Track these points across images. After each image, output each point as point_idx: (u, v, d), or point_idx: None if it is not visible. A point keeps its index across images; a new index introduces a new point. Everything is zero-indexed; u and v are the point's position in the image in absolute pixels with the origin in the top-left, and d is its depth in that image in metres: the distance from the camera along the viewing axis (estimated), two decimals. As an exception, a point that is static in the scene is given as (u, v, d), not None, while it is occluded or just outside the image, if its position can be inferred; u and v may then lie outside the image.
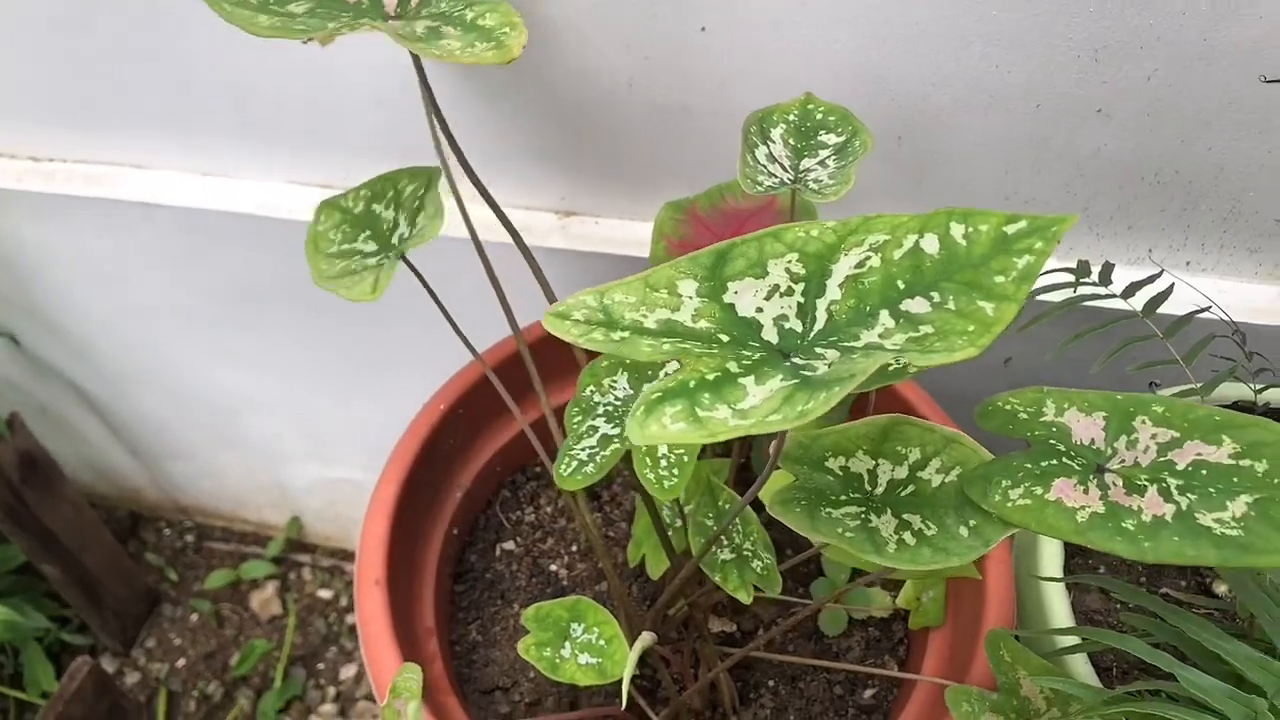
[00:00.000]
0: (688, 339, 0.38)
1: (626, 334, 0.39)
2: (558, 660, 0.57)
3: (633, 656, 0.55)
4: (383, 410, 1.15)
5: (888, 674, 0.67)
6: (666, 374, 0.57)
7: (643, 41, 0.73)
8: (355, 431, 1.21)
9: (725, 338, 0.38)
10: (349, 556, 1.47)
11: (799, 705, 0.71)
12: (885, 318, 0.37)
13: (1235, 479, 0.41)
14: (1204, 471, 0.42)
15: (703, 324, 0.39)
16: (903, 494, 0.47)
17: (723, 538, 0.57)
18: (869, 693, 0.72)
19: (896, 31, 0.68)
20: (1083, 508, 0.42)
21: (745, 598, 0.56)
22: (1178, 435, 0.43)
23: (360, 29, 0.51)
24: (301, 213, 0.92)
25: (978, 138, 0.74)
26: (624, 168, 0.84)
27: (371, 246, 0.58)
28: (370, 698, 1.38)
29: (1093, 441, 0.44)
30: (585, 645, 0.57)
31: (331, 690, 1.38)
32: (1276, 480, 0.41)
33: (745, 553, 0.58)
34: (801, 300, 0.39)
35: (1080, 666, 0.61)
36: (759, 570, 0.57)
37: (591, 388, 0.58)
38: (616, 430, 0.55)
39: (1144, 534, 0.40)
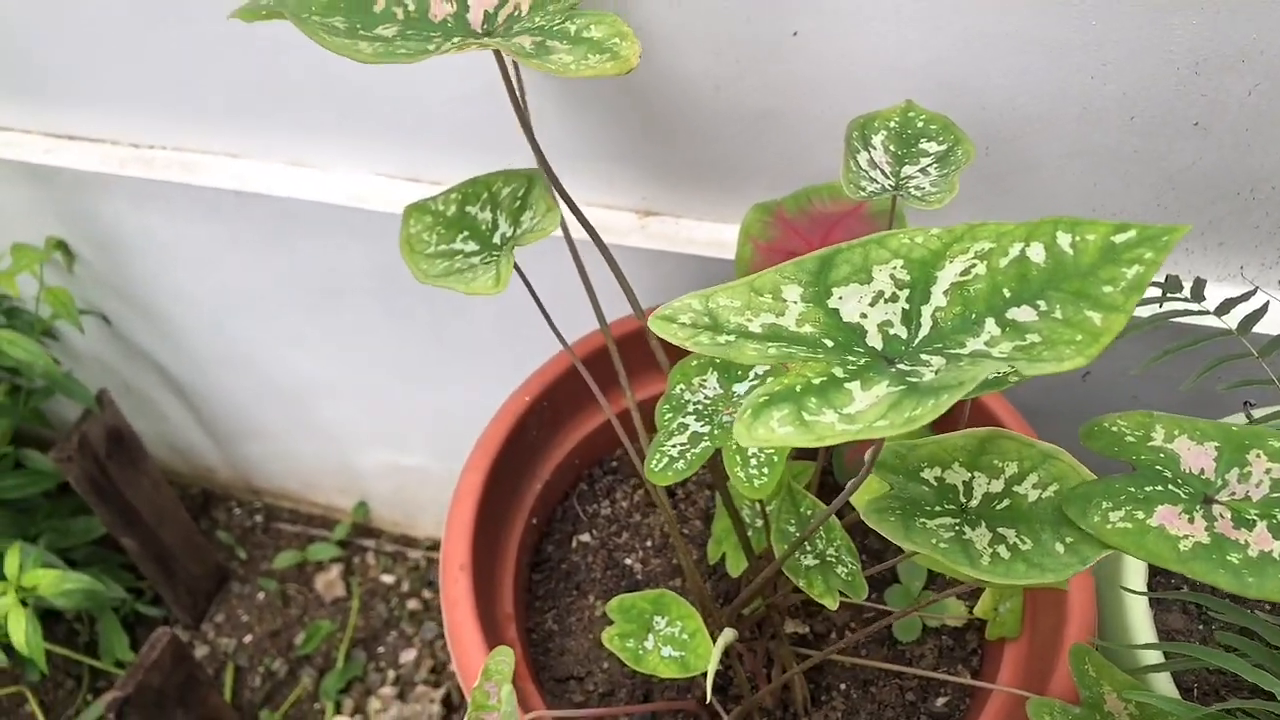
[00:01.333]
0: (793, 344, 0.40)
1: (732, 338, 0.41)
2: (640, 652, 0.59)
3: (717, 651, 0.57)
4: (454, 401, 1.18)
5: (963, 682, 0.68)
6: (757, 375, 0.58)
7: (733, 46, 0.75)
8: (426, 420, 1.25)
9: (830, 343, 0.40)
10: (412, 543, 1.51)
11: (870, 709, 0.72)
12: (991, 326, 0.39)
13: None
14: (1311, 500, 0.43)
15: (807, 329, 0.41)
16: (998, 507, 0.48)
17: (806, 543, 0.59)
18: (941, 701, 0.73)
19: (990, 40, 0.69)
20: (1186, 536, 0.43)
21: (831, 603, 0.57)
22: (1287, 464, 0.44)
23: (468, 49, 0.53)
24: (386, 204, 0.95)
25: (1067, 148, 0.74)
26: (706, 169, 0.86)
27: (472, 246, 0.60)
28: (429, 681, 1.41)
29: (1202, 471, 0.45)
30: (668, 638, 0.59)
31: (391, 673, 1.42)
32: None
33: (829, 558, 0.59)
34: (906, 307, 0.40)
35: (1163, 685, 0.62)
36: (844, 576, 0.58)
37: (681, 386, 0.60)
38: (706, 428, 0.57)
39: (1249, 569, 0.41)
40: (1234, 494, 0.44)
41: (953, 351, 0.39)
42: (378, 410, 1.27)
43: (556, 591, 0.80)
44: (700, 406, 0.59)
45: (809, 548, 0.59)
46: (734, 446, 0.56)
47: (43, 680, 1.39)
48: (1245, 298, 0.70)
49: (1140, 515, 0.44)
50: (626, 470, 0.86)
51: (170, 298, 1.18)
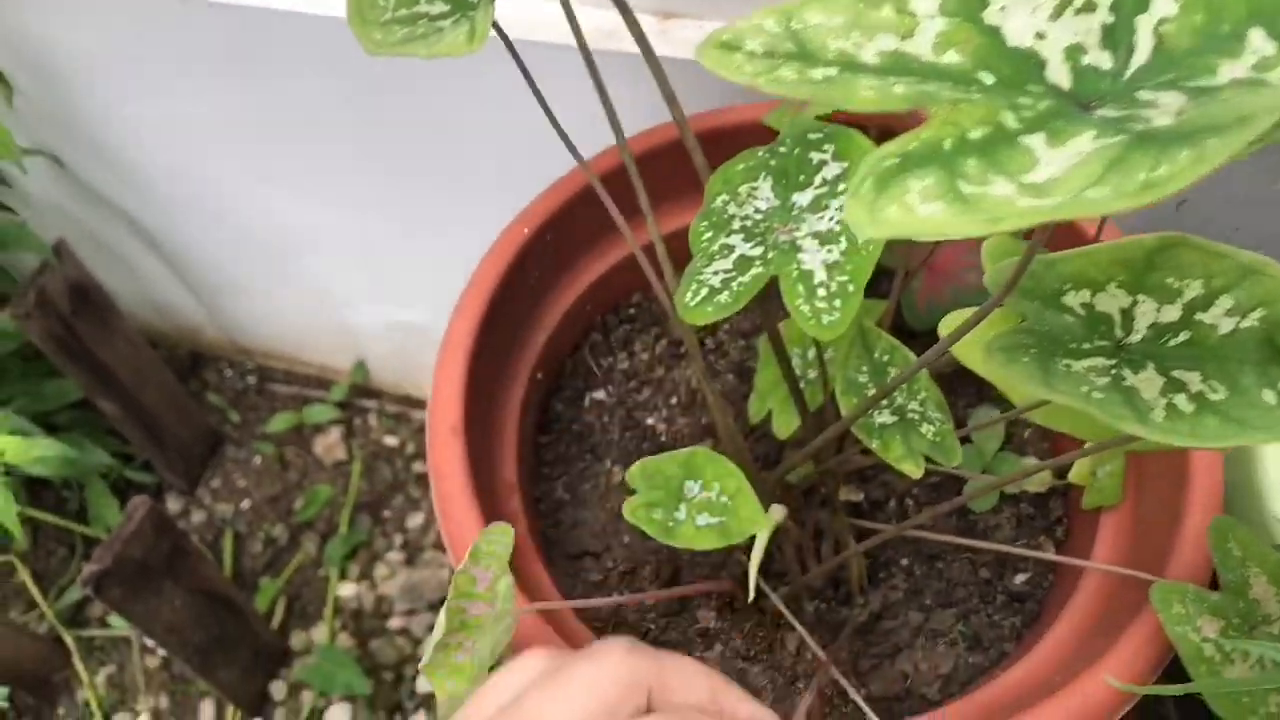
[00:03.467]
0: (930, 78, 0.25)
1: (833, 71, 0.25)
2: (670, 524, 0.46)
3: (773, 515, 0.44)
4: (454, 247, 1.02)
5: (1056, 559, 0.55)
6: (825, 181, 0.43)
7: None
8: (423, 270, 1.10)
9: (989, 78, 0.25)
10: (416, 404, 1.39)
11: (937, 588, 0.60)
12: (1260, 40, 0.23)
13: None
14: None
15: (952, 57, 0.25)
16: (1173, 343, 0.34)
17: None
18: (1021, 578, 0.60)
19: None
20: None
21: (914, 469, 0.43)
22: None
23: None
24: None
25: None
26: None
27: (440, 7, 0.44)
28: (439, 545, 1.31)
29: None
30: (703, 505, 0.46)
31: (398, 538, 1.32)
32: None
33: (911, 415, 0.45)
34: (1110, 20, 0.25)
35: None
36: (930, 437, 0.45)
37: (725, 197, 0.44)
38: (758, 250, 0.42)
39: None
40: None
41: (1197, 84, 0.23)
42: (369, 260, 1.12)
43: (567, 456, 0.67)
44: (750, 223, 0.43)
45: (885, 402, 0.45)
46: (795, 272, 0.41)
47: (33, 549, 1.30)
48: None
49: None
50: (646, 318, 0.72)
51: (126, 133, 1.01)
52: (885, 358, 0.46)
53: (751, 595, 0.44)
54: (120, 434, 1.26)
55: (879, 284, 0.66)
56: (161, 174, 1.06)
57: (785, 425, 0.54)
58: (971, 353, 0.40)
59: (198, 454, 1.35)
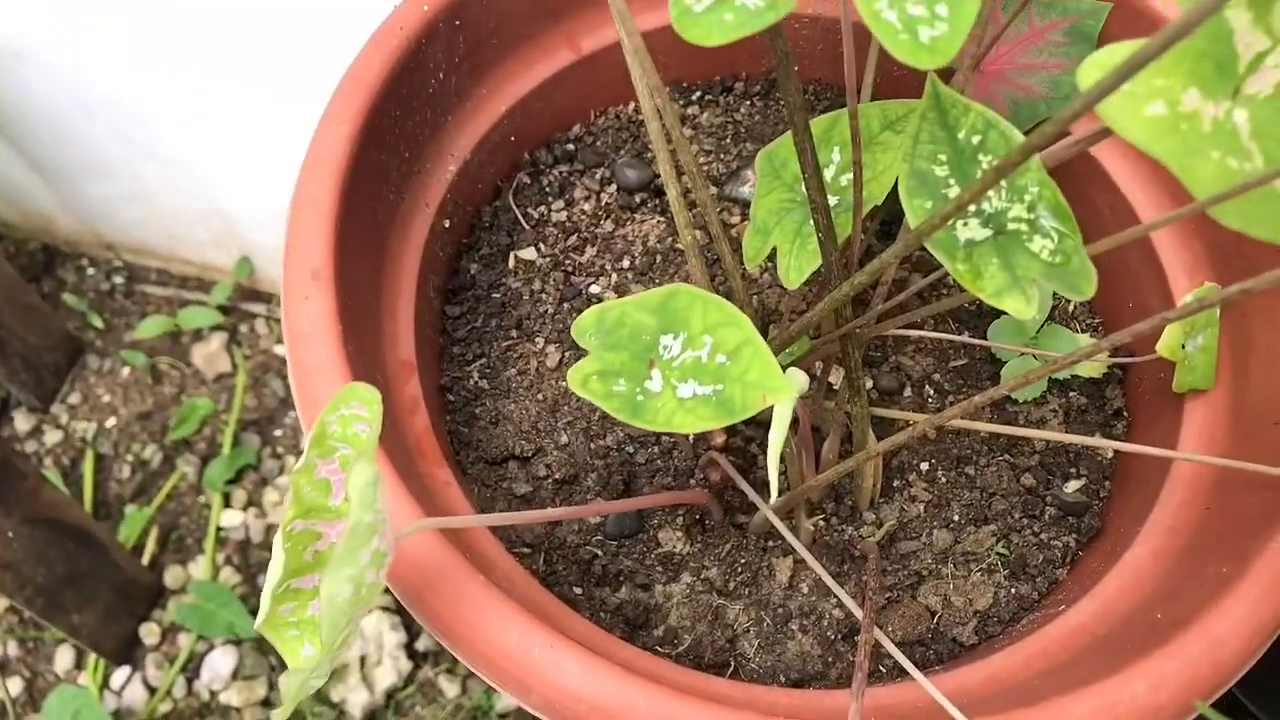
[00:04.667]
0: None
1: None
2: (640, 397, 0.30)
3: (794, 379, 0.28)
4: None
5: (1138, 449, 0.40)
6: None
7: None
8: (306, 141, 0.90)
9: None
10: (312, 309, 1.19)
11: (968, 499, 0.45)
12: None
13: None
14: None
15: None
16: None
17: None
18: (1074, 485, 0.46)
19: None
20: None
21: (1023, 307, 0.28)
22: None
23: None
24: None
25: None
26: None
27: None
28: (339, 471, 1.13)
29: None
30: (691, 368, 0.29)
31: (291, 460, 1.13)
32: None
33: (1015, 226, 0.29)
34: None
35: None
36: (1046, 257, 0.29)
37: None
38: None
39: None
40: None
41: None
42: (238, 132, 0.91)
43: (486, 332, 0.49)
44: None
45: (972, 208, 0.29)
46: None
47: None
48: None
49: None
50: (590, 156, 0.54)
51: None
52: (976, 139, 0.29)
53: (775, 494, 0.28)
54: (-51, 337, 1.03)
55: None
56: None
57: (800, 267, 0.37)
58: (1132, 116, 0.24)
59: (52, 364, 1.13)
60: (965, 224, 0.29)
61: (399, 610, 1.02)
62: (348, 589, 0.24)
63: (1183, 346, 0.43)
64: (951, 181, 0.29)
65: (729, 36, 0.24)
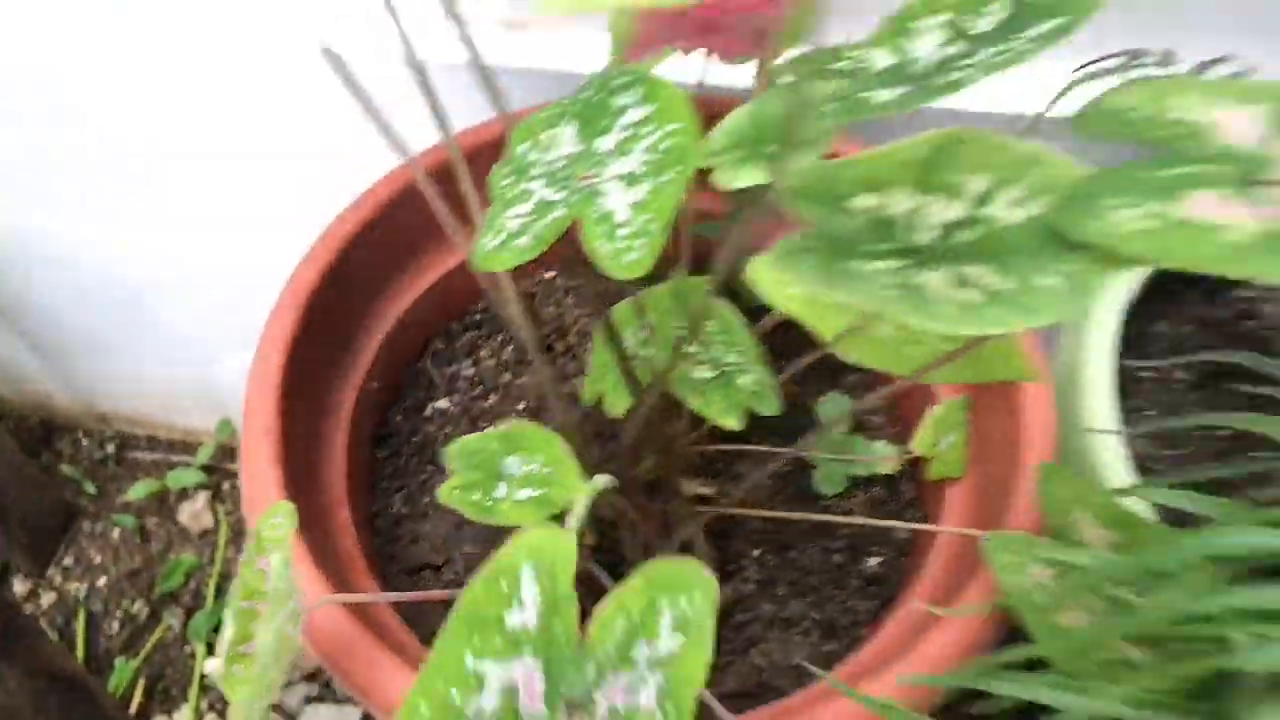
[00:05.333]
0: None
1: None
2: (489, 503, 0.42)
3: (596, 482, 0.40)
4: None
5: (900, 525, 0.52)
6: (625, 125, 0.41)
7: None
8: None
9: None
10: (287, 465, 1.31)
11: (791, 578, 0.57)
12: None
13: None
14: None
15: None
16: (962, 239, 0.32)
17: (701, 351, 0.42)
18: (875, 561, 0.58)
19: None
20: (1233, 227, 0.28)
21: (733, 422, 0.41)
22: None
23: None
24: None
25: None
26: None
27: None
28: (313, 614, 1.22)
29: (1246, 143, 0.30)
30: (524, 479, 0.42)
31: (270, 607, 1.22)
32: None
33: (730, 367, 0.43)
34: None
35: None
36: (749, 387, 0.42)
37: (526, 145, 0.42)
38: (560, 194, 0.40)
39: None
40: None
41: None
42: (223, 302, 1.06)
43: (406, 469, 0.62)
44: (552, 170, 0.41)
45: (703, 358, 0.43)
46: (595, 214, 0.38)
47: None
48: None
49: (1165, 210, 0.28)
50: (492, 324, 0.68)
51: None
52: (701, 313, 0.43)
53: (575, 524, 0.40)
54: (-43, 510, 1.14)
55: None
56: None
57: (618, 402, 0.51)
58: (772, 280, 0.38)
59: (49, 529, 1.24)
60: (698, 369, 0.42)
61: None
62: (272, 639, 0.36)
63: (935, 444, 0.55)
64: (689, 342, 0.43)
65: (511, 264, 0.37)
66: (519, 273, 0.54)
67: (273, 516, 0.39)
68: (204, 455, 1.29)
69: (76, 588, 1.22)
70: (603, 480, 0.43)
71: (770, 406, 0.41)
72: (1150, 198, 0.29)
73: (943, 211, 0.32)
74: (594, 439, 0.62)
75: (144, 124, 0.82)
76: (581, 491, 0.41)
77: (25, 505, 1.19)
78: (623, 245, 0.37)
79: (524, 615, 0.29)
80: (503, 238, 0.39)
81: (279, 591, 0.36)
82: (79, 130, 0.85)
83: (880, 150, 0.33)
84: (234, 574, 1.22)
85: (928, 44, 0.37)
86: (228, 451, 1.32)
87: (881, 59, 0.36)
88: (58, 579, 1.23)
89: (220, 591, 1.21)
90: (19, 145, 0.88)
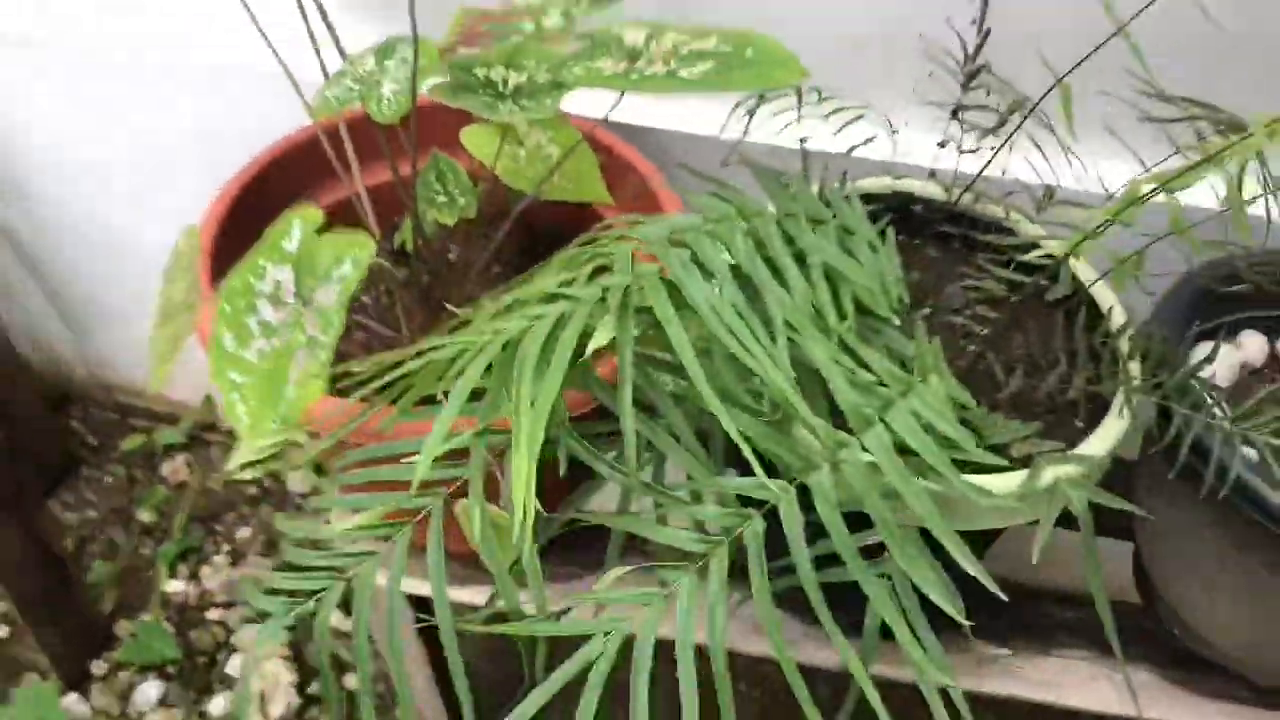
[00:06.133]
0: None
1: None
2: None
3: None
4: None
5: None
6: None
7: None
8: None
9: None
10: (255, 435, 1.59)
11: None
12: None
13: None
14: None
15: None
16: (517, 87, 0.63)
17: (439, 190, 0.72)
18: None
19: None
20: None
21: (450, 219, 0.70)
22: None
23: None
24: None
25: None
26: None
27: None
28: (263, 553, 1.48)
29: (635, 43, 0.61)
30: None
31: (226, 546, 1.48)
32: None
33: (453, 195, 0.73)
34: None
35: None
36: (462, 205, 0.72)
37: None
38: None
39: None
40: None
41: None
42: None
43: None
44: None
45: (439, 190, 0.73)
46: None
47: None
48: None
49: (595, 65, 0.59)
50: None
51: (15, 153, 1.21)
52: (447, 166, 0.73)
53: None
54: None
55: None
56: (45, 196, 1.26)
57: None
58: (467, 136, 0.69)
59: (53, 471, 1.52)
60: (439, 196, 0.72)
61: (296, 657, 1.34)
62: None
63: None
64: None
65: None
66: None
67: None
68: (187, 423, 1.58)
69: (70, 517, 1.49)
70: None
71: (471, 210, 0.71)
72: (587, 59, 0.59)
73: (515, 79, 0.63)
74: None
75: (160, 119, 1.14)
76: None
77: (40, 446, 1.48)
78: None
79: (291, 244, 0.58)
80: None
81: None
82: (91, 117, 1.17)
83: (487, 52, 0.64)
84: (203, 518, 1.48)
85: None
86: (207, 425, 1.60)
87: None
88: (56, 509, 1.51)
89: (187, 531, 1.48)
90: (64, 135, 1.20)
